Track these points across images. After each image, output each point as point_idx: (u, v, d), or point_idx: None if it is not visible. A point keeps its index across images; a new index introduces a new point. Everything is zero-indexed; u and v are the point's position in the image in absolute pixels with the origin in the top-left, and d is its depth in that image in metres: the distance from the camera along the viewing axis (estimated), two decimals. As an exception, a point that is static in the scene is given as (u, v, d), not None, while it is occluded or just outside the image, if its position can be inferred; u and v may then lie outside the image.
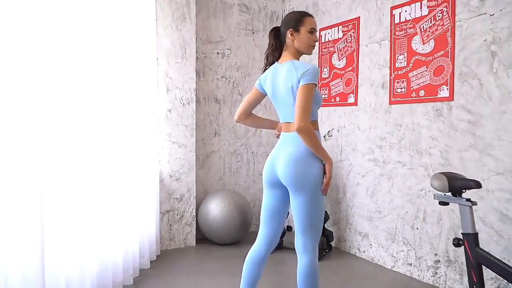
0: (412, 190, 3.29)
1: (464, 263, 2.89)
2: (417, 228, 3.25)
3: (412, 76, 3.28)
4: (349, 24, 3.90)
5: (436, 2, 3.09)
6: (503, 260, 2.55)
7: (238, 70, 4.57)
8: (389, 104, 3.48)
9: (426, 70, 3.17)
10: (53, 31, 2.59)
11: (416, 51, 3.25)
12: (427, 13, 3.17)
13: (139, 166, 3.42)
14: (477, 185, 2.05)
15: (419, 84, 3.23)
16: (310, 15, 2.18)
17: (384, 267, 3.52)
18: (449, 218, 3.02)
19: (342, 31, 3.98)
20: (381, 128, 3.56)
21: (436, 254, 3.11)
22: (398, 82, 3.40)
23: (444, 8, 3.04)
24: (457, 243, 2.09)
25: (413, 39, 3.27)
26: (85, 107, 2.87)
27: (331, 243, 3.95)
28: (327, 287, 3.01)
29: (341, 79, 4.00)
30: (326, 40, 4.18)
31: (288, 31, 2.14)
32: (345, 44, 3.94)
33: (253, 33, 4.65)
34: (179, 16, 3.96)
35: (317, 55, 4.27)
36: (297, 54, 2.17)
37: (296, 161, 2.03)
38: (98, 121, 2.96)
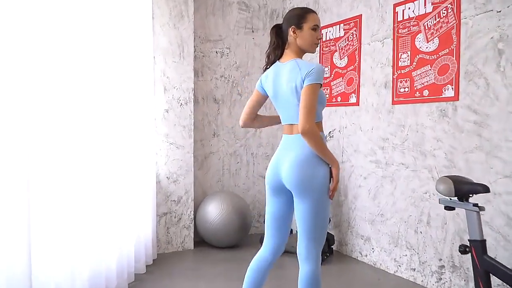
0: (415, 193, 3.19)
1: (470, 269, 2.79)
2: (421, 232, 3.16)
3: (416, 75, 3.18)
4: (351, 22, 3.80)
5: (440, -2, 3.00)
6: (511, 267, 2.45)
7: (238, 69, 4.48)
8: (392, 104, 3.39)
9: (430, 69, 3.08)
10: (45, 26, 2.51)
11: (420, 49, 3.15)
12: (431, 10, 3.07)
13: (135, 168, 3.35)
14: (485, 189, 1.95)
15: (423, 84, 3.13)
16: (313, 11, 2.10)
17: (387, 272, 3.42)
18: (454, 222, 2.92)
19: (344, 29, 3.88)
20: (383, 128, 3.47)
21: (440, 259, 3.02)
22: (401, 82, 3.30)
23: (449, 5, 2.94)
24: (463, 250, 1.99)
25: (417, 37, 3.18)
26: (79, 107, 2.81)
27: (332, 246, 3.85)
28: (327, 293, 2.92)
29: (342, 78, 3.90)
30: (327, 38, 4.08)
31: (290, 29, 2.05)
32: (347, 42, 3.84)
33: (252, 31, 4.56)
34: (176, 14, 3.87)
35: (318, 54, 4.17)
36: (300, 53, 2.08)
37: (301, 164, 1.95)
38: (92, 121, 2.90)
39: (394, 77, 3.37)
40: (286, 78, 2.00)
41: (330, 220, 3.91)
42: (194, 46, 4.08)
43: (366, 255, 3.65)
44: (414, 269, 3.21)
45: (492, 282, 2.01)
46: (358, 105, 3.72)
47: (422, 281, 3.14)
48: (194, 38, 4.12)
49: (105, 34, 3.07)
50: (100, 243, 2.82)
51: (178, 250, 3.94)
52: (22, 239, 2.19)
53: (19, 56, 2.27)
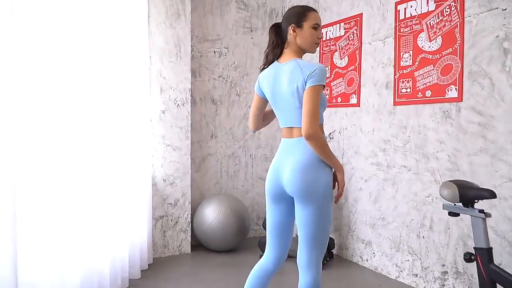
0: (418, 197, 3.11)
1: (474, 275, 2.70)
2: (423, 237, 3.07)
3: (418, 76, 3.09)
4: (351, 21, 3.72)
5: (443, -4, 2.91)
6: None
7: (236, 69, 4.40)
8: (394, 105, 3.30)
9: (433, 69, 2.99)
10: (36, 25, 2.44)
11: (423, 48, 3.06)
12: (434, 8, 2.98)
13: (130, 170, 3.27)
14: (492, 195, 1.87)
15: (425, 84, 3.04)
16: (314, 10, 2.01)
17: (388, 277, 3.33)
18: (457, 226, 2.83)
19: (344, 29, 3.80)
20: (385, 130, 3.38)
21: (443, 265, 2.93)
22: (403, 82, 3.22)
23: (453, 3, 2.85)
24: (468, 258, 1.91)
25: (419, 36, 3.09)
26: (71, 107, 2.75)
27: (332, 250, 3.77)
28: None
29: (343, 78, 3.82)
30: (327, 38, 4.00)
31: (290, 27, 1.97)
32: (347, 42, 3.76)
33: (251, 31, 4.47)
34: (173, 13, 3.79)
35: (318, 54, 4.09)
36: (300, 52, 2.00)
37: (303, 169, 1.87)
38: (86, 122, 2.85)
39: (395, 77, 3.28)
40: (287, 80, 1.92)
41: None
42: (191, 46, 4.00)
43: (367, 260, 3.56)
44: (417, 275, 3.12)
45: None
46: (359, 106, 3.64)
47: (424, 287, 3.06)
48: (192, 38, 4.04)
49: (99, 33, 3.01)
50: (93, 247, 2.75)
51: (174, 254, 3.86)
52: (7, 241, 2.10)
53: (8, 55, 2.19)
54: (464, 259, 1.90)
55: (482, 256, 1.86)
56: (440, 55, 2.94)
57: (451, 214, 1.99)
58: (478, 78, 2.72)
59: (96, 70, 3.00)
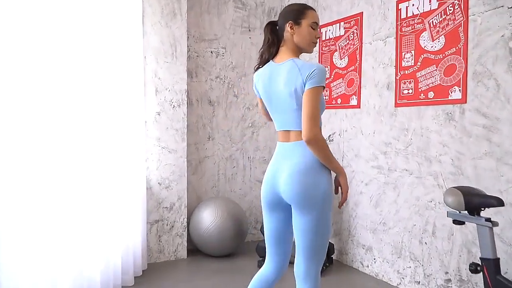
0: (420, 201, 3.01)
1: (479, 284, 2.60)
2: (425, 243, 2.97)
3: (421, 76, 2.99)
4: (351, 20, 3.62)
5: (447, -6, 2.82)
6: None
7: (234, 70, 4.31)
8: (395, 106, 3.20)
9: (436, 70, 2.89)
10: (26, 24, 2.35)
11: (425, 48, 2.97)
12: (436, 7, 2.89)
13: (124, 173, 3.19)
14: (499, 202, 1.77)
15: (428, 85, 2.94)
16: (313, 9, 1.94)
17: (390, 284, 3.23)
18: (461, 233, 2.73)
19: (344, 28, 3.70)
20: (386, 132, 3.28)
21: (446, 273, 2.83)
22: (404, 83, 3.12)
23: (456, 1, 2.75)
24: (474, 269, 1.81)
25: (422, 35, 2.99)
26: (63, 110, 2.69)
27: (332, 256, 3.67)
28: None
29: (342, 79, 3.72)
30: (327, 37, 3.90)
31: (288, 24, 1.88)
32: (347, 41, 3.66)
33: (249, 30, 4.38)
34: (169, 12, 3.69)
35: (317, 54, 3.99)
36: (297, 51, 1.91)
37: (301, 174, 1.78)
38: (78, 124, 2.79)
39: (397, 78, 3.18)
40: (284, 81, 1.82)
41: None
42: (187, 46, 3.91)
43: (368, 266, 3.46)
44: (419, 282, 3.02)
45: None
46: (359, 107, 3.54)
47: (427, 295, 2.96)
48: (188, 38, 3.95)
49: (92, 33, 2.94)
50: (83, 253, 2.67)
51: (170, 259, 3.77)
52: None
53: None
54: (470, 270, 1.81)
55: (489, 267, 1.76)
56: (443, 55, 2.84)
57: (456, 222, 1.89)
58: (482, 79, 2.62)
59: (89, 70, 2.92)
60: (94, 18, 2.95)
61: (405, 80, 3.11)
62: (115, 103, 3.15)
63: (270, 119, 2.06)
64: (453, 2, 2.77)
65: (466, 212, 1.85)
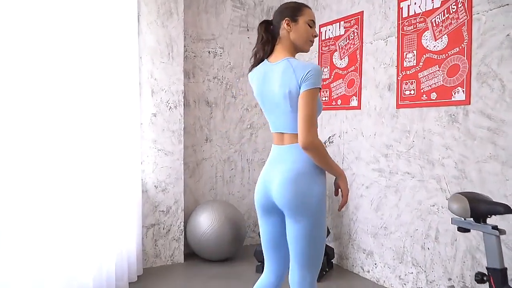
0: (422, 205, 2.92)
1: (483, 291, 2.52)
2: (428, 248, 2.89)
3: (423, 77, 2.91)
4: (352, 20, 3.54)
5: (450, -8, 2.73)
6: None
7: (232, 70, 4.23)
8: (397, 108, 3.12)
9: (438, 70, 2.81)
10: (18, 24, 2.28)
11: (427, 48, 2.88)
12: (439, 5, 2.80)
13: (118, 176, 3.12)
14: (506, 210, 1.69)
15: (430, 86, 2.86)
16: (309, 7, 1.88)
17: (391, 290, 3.16)
18: (465, 238, 2.65)
19: (344, 27, 3.62)
20: (387, 134, 3.20)
21: (450, 279, 2.75)
22: (406, 84, 3.04)
23: (460, -1, 2.68)
24: (480, 279, 1.73)
25: (424, 35, 2.91)
26: (57, 111, 2.63)
27: (332, 260, 3.59)
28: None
29: (343, 80, 3.64)
30: (327, 37, 3.82)
31: (284, 21, 1.81)
32: (347, 41, 3.58)
33: (247, 30, 4.30)
34: (165, 11, 3.61)
35: (317, 54, 3.91)
36: (293, 50, 1.84)
37: (294, 179, 1.71)
38: (72, 126, 2.74)
39: (398, 78, 3.10)
40: (278, 82, 1.74)
41: (329, 232, 3.64)
42: (184, 46, 3.84)
43: (369, 271, 3.38)
44: (421, 289, 2.94)
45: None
46: (360, 108, 3.46)
47: (429, 301, 2.88)
48: (185, 37, 3.87)
49: (86, 32, 2.87)
50: (76, 258, 2.59)
51: (166, 264, 3.69)
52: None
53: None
54: (476, 280, 1.73)
55: (495, 277, 1.68)
56: (446, 55, 2.76)
57: (461, 229, 1.81)
58: (487, 80, 2.54)
59: (82, 71, 2.86)
60: (87, 17, 2.88)
61: (407, 81, 3.03)
62: (109, 104, 3.08)
63: None
64: (457, 0, 2.69)
65: (471, 219, 1.77)
